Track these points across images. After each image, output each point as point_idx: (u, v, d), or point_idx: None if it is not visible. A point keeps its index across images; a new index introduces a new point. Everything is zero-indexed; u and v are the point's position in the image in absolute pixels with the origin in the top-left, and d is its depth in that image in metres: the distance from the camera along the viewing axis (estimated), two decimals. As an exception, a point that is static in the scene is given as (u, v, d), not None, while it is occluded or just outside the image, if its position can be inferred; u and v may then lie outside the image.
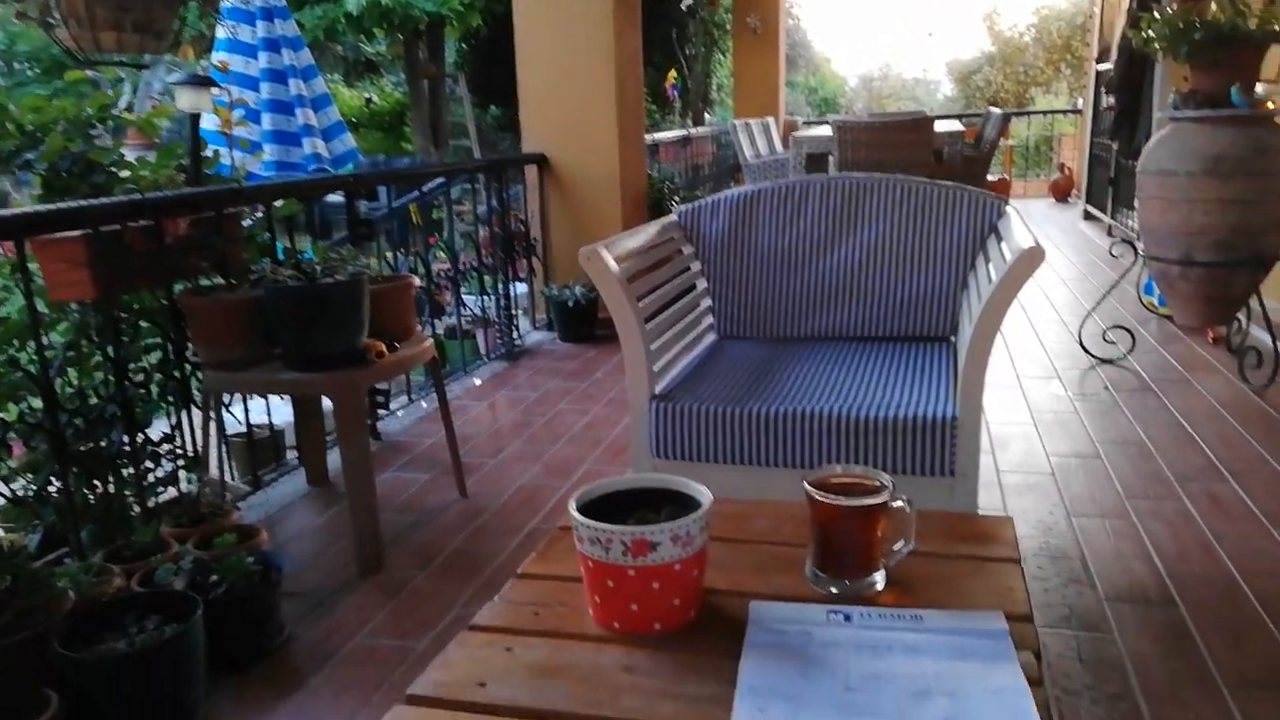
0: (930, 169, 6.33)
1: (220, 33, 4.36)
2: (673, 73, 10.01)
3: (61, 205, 2.26)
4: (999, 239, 2.11)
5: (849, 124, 6.24)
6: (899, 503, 0.96)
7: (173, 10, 2.37)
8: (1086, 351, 3.95)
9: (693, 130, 8.70)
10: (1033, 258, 1.66)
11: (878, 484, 0.97)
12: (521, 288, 5.00)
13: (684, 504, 0.96)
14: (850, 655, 0.83)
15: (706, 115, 12.58)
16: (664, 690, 0.80)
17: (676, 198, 5.86)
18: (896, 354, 2.21)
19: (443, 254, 4.30)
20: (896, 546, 0.98)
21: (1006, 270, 1.68)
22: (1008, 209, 2.23)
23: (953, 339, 2.31)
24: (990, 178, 8.17)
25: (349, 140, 4.49)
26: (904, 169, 6.14)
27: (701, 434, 1.88)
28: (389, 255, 3.95)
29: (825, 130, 7.68)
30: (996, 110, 7.33)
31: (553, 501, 2.73)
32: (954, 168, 6.77)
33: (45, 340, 2.29)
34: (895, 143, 6.20)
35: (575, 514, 0.91)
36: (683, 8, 8.56)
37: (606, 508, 0.96)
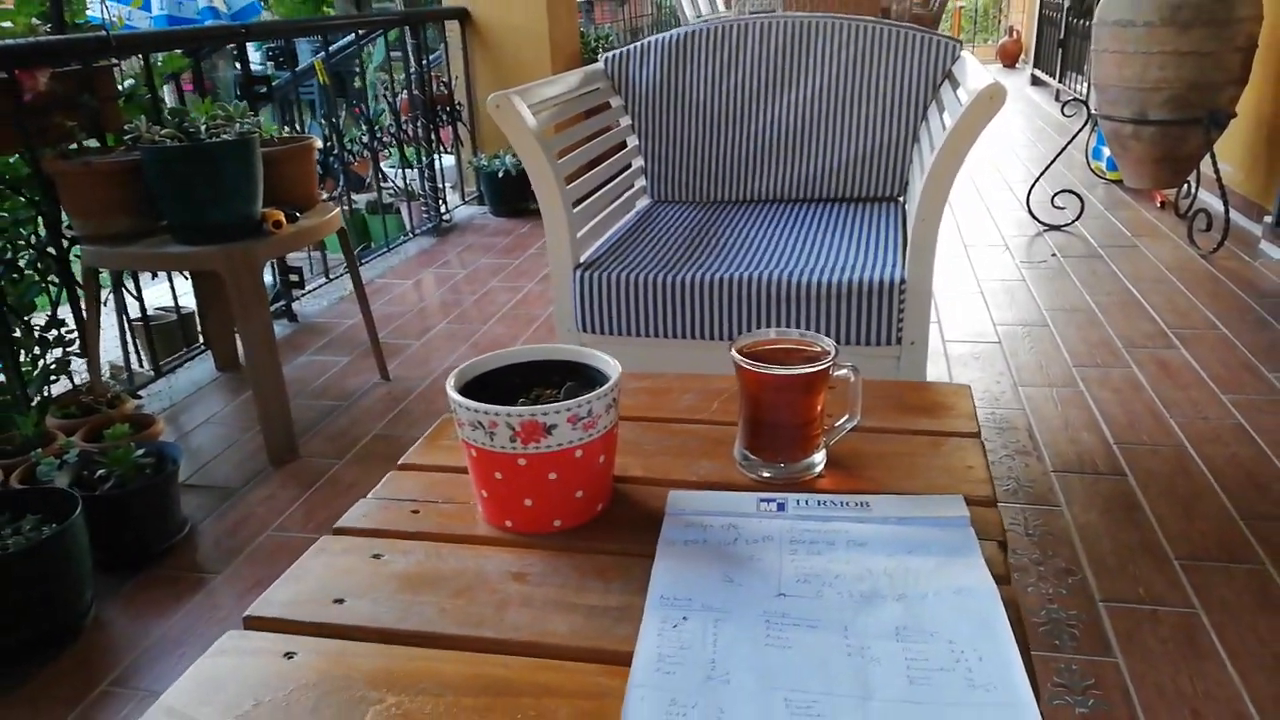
0: (878, 30, 6.06)
1: None
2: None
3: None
4: (954, 85, 1.93)
5: (794, -20, 5.89)
6: (842, 370, 0.81)
7: None
8: (1034, 218, 3.83)
9: (630, -10, 8.20)
10: (992, 98, 1.49)
11: (818, 349, 0.82)
12: (449, 160, 4.70)
13: (590, 379, 0.80)
14: (784, 552, 0.69)
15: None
16: (560, 601, 0.66)
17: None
18: (841, 216, 2.04)
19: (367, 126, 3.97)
20: (839, 422, 0.84)
21: (963, 112, 1.51)
22: (963, 52, 2.04)
23: (901, 200, 2.16)
24: (939, 41, 7.87)
25: (249, -7, 4.07)
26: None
27: (630, 305, 1.71)
28: (298, 124, 3.63)
29: (770, -11, 7.29)
30: (948, -33, 6.98)
31: (479, 382, 2.57)
32: (903, 29, 6.49)
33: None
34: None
35: (453, 393, 0.74)
36: None
37: (498, 386, 0.80)
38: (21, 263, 2.27)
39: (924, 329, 1.63)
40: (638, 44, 2.22)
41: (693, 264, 1.74)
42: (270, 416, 2.17)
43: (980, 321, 2.80)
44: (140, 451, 1.84)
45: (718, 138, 2.18)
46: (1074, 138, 3.89)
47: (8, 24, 2.54)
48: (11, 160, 2.31)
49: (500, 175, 4.36)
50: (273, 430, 2.18)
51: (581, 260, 1.80)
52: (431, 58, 4.50)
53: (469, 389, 0.78)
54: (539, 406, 0.71)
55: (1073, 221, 3.75)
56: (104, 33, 2.36)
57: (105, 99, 2.38)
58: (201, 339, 2.82)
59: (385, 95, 4.09)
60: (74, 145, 2.30)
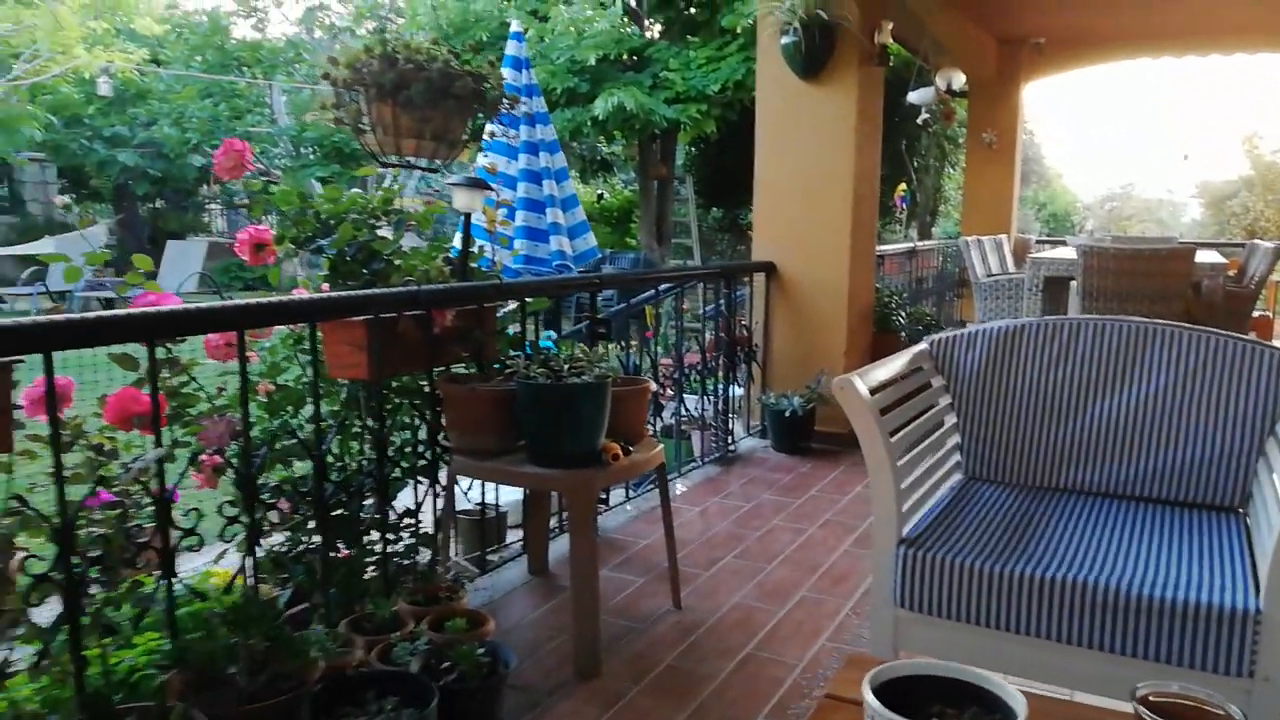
0: (1187, 302, 5.85)
1: (487, 135, 4.74)
2: (902, 185, 9.91)
3: (350, 293, 2.48)
4: (1310, 407, 1.88)
5: (1096, 249, 5.89)
6: (1252, 742, 0.83)
7: (465, 122, 2.59)
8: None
9: (919, 243, 8.53)
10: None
11: (1223, 714, 0.85)
12: (736, 390, 4.99)
13: (989, 706, 0.88)
14: None
15: (933, 229, 12.34)
16: None
17: (903, 312, 5.72)
18: (1174, 521, 1.99)
19: (661, 349, 4.39)
20: (1244, 792, 0.84)
21: (1336, 452, 1.48)
22: (1318, 373, 1.99)
23: (1242, 511, 2.07)
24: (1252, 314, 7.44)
25: (591, 239, 4.72)
26: (1157, 300, 5.71)
27: (954, 589, 1.76)
28: (617, 352, 4.06)
29: (1065, 252, 7.31)
30: (1267, 244, 6.70)
31: (769, 626, 2.64)
32: (1214, 303, 6.22)
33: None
34: (1148, 272, 5.77)
35: (873, 702, 0.85)
36: (918, 122, 8.49)
37: (895, 695, 0.89)
38: (402, 461, 2.69)
39: (1283, 667, 1.53)
40: (964, 331, 2.35)
41: (1018, 556, 1.77)
42: (583, 632, 2.35)
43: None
44: (481, 650, 2.07)
45: (1042, 426, 2.23)
46: None
47: (417, 262, 3.13)
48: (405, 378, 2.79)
49: (787, 414, 4.56)
50: (583, 644, 2.35)
51: (904, 535, 1.88)
52: (736, 297, 4.91)
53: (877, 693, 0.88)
54: (959, 731, 0.80)
55: None
56: (498, 281, 2.86)
57: (488, 333, 2.83)
58: (522, 543, 3.11)
59: (697, 332, 4.49)
60: (461, 370, 2.75)
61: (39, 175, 16.50)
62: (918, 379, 2.30)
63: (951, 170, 13.62)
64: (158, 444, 1.95)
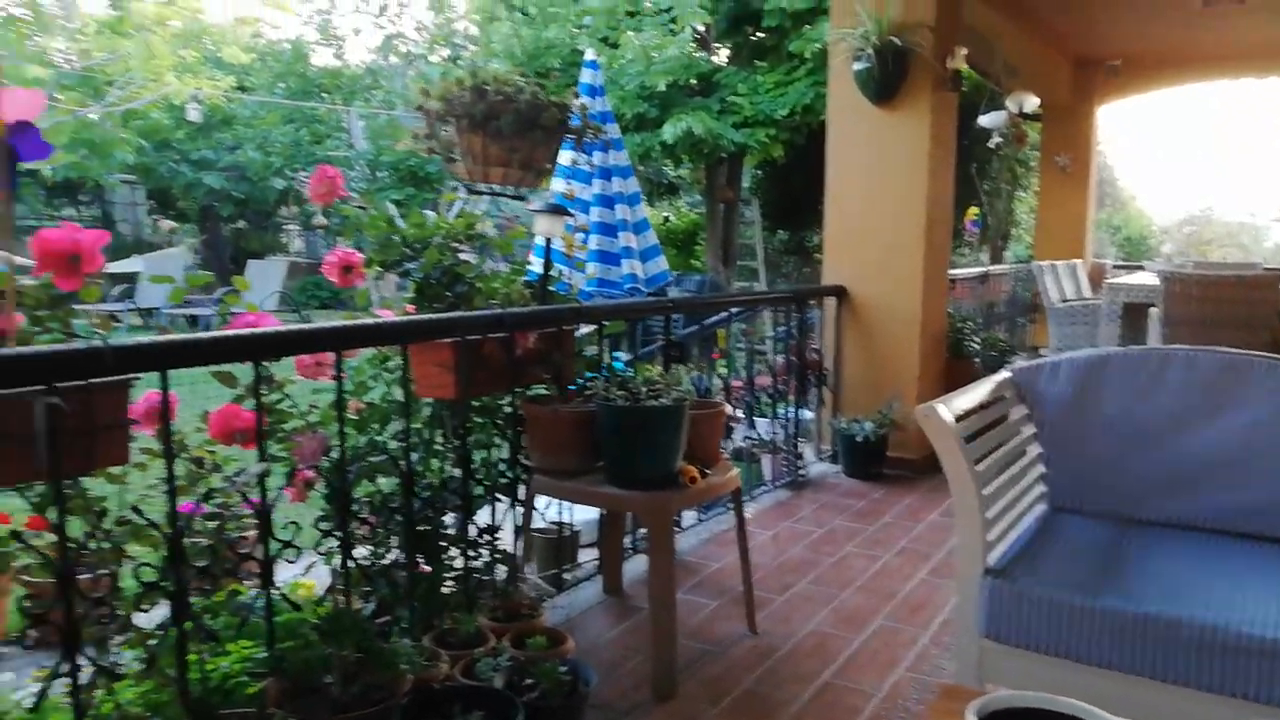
0: (1274, 331, 5.67)
1: (563, 160, 4.84)
2: (973, 208, 9.79)
3: (439, 316, 2.55)
4: None
5: (1178, 275, 5.75)
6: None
7: (552, 151, 2.66)
8: None
9: (991, 268, 8.40)
10: None
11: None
12: (806, 414, 4.97)
13: (1100, 736, 0.88)
14: None
15: (1004, 253, 12.15)
16: None
17: (977, 338, 5.64)
18: (1271, 558, 1.94)
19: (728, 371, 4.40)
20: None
21: None
22: None
23: (1344, 549, 2.00)
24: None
25: (662, 262, 4.77)
26: (1242, 328, 5.55)
27: (1043, 621, 1.74)
28: (689, 374, 4.09)
29: (1144, 277, 7.14)
30: (1360, 270, 6.46)
31: (846, 654, 2.63)
32: (1302, 330, 6.01)
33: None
34: (1233, 299, 5.62)
35: (985, 729, 0.86)
36: (990, 146, 8.39)
37: (1002, 720, 0.90)
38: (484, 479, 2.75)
39: (1393, 712, 1.49)
40: (1048, 360, 2.33)
41: (1112, 590, 1.74)
42: (661, 653, 2.37)
43: None
44: (563, 668, 2.10)
45: (1130, 458, 2.19)
46: None
47: (498, 285, 3.21)
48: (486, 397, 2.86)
49: (859, 439, 4.53)
50: (660, 666, 2.37)
51: (990, 565, 1.87)
52: (808, 319, 4.90)
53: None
54: (1071, 762, 0.80)
55: None
56: (577, 304, 2.91)
57: (566, 355, 2.89)
58: (598, 563, 3.15)
59: (765, 354, 4.50)
60: (539, 391, 2.81)
61: (129, 196, 17.27)
62: (999, 408, 2.29)
63: (1023, 193, 13.41)
64: (261, 458, 2.03)
